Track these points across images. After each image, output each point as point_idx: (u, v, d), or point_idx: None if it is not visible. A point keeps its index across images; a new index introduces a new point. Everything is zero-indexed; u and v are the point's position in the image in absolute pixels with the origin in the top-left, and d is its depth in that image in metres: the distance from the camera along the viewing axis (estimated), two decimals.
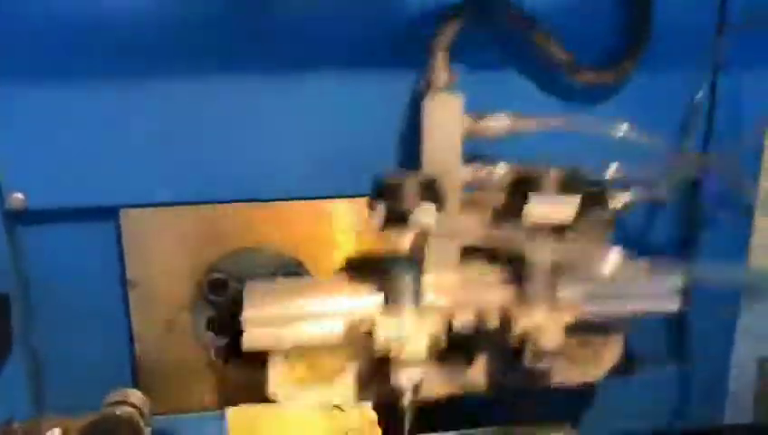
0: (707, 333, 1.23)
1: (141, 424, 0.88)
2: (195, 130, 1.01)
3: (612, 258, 0.89)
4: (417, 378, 0.89)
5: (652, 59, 1.05)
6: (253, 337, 0.91)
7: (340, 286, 0.96)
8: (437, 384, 0.98)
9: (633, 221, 1.16)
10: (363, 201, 0.92)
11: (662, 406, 1.27)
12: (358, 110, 1.02)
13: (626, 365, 1.06)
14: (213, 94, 1.00)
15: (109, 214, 1.04)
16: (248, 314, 0.91)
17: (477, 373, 1.00)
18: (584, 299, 0.95)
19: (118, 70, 0.97)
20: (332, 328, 0.92)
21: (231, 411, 0.92)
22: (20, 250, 1.04)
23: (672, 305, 1.00)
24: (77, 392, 0.94)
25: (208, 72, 0.99)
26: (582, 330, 0.96)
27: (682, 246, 1.20)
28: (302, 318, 0.92)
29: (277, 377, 0.96)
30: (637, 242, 1.16)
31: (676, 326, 1.23)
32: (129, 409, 0.89)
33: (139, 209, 1.03)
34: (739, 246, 1.21)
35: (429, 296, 0.92)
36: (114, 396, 0.92)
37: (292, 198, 1.05)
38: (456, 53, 0.95)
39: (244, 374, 1.09)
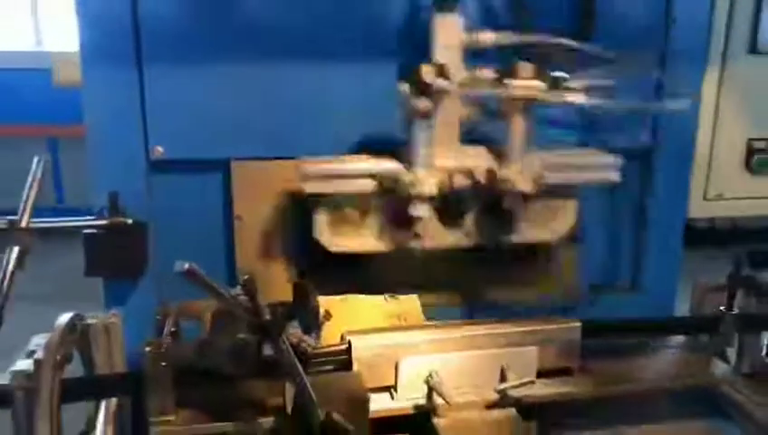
0: (659, 263, 1.64)
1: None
2: (287, 106, 1.40)
3: (581, 94, 1.28)
4: (427, 212, 1.29)
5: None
6: (311, 186, 1.30)
7: (369, 158, 1.36)
8: (440, 234, 1.38)
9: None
10: None
11: None
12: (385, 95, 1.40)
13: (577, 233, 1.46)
14: (305, 81, 1.39)
15: (221, 165, 1.42)
16: (308, 169, 1.30)
17: (468, 227, 1.40)
18: (547, 167, 1.34)
19: (234, 61, 1.36)
20: (367, 182, 1.32)
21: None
22: (154, 191, 1.42)
23: (613, 176, 1.40)
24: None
25: (301, 67, 1.39)
26: (545, 196, 1.36)
27: None
28: (345, 175, 1.32)
29: (321, 223, 1.35)
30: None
31: (633, 258, 1.64)
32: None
33: (245, 161, 1.41)
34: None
35: (437, 159, 1.32)
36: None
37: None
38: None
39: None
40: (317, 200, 1.35)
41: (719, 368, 1.50)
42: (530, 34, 1.36)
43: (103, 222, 1.32)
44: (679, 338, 1.54)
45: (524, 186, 1.30)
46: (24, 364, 1.13)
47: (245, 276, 1.05)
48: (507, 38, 1.35)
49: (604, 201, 1.63)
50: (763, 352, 1.52)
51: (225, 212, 1.47)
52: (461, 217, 1.39)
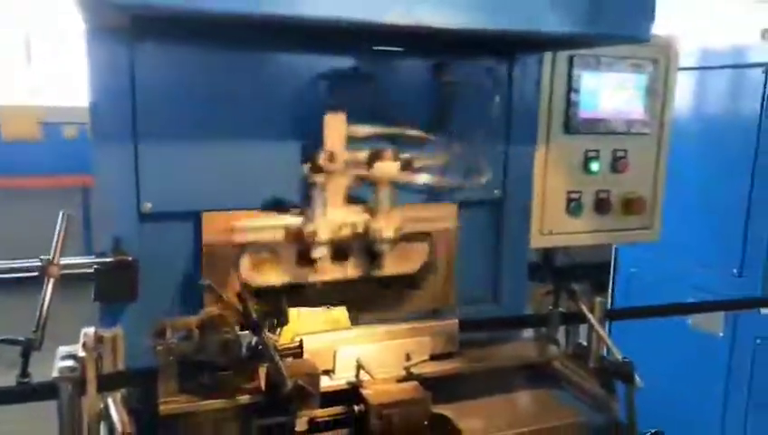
0: (512, 280, 2.28)
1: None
2: (236, 174, 1.90)
3: (423, 177, 1.92)
4: (323, 253, 1.84)
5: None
6: (238, 236, 1.82)
7: (279, 215, 1.89)
8: (332, 270, 1.92)
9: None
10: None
11: None
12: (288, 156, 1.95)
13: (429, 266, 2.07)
14: (248, 157, 1.90)
15: (193, 215, 1.89)
16: (235, 224, 1.82)
17: (353, 264, 1.95)
18: (405, 219, 1.93)
19: (203, 140, 1.86)
20: (278, 232, 1.85)
21: None
22: (143, 235, 1.86)
23: (452, 224, 2.03)
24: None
25: (244, 145, 1.90)
26: (404, 241, 1.94)
27: None
28: (264, 228, 1.84)
29: (245, 265, 1.86)
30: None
31: (492, 277, 2.28)
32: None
33: (212, 212, 1.89)
34: None
35: (330, 214, 1.86)
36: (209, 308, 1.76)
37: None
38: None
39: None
40: (242, 247, 1.86)
41: (552, 350, 2.16)
42: (394, 127, 1.96)
43: (110, 259, 1.75)
44: (526, 331, 2.18)
45: (389, 234, 1.89)
46: (67, 363, 1.54)
47: (243, 287, 1.54)
48: (378, 130, 1.94)
49: (474, 238, 2.25)
50: (580, 338, 2.19)
51: (196, 251, 1.93)
52: (347, 257, 1.95)
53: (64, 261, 1.66)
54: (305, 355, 1.75)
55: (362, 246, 1.93)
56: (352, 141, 1.90)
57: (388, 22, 1.47)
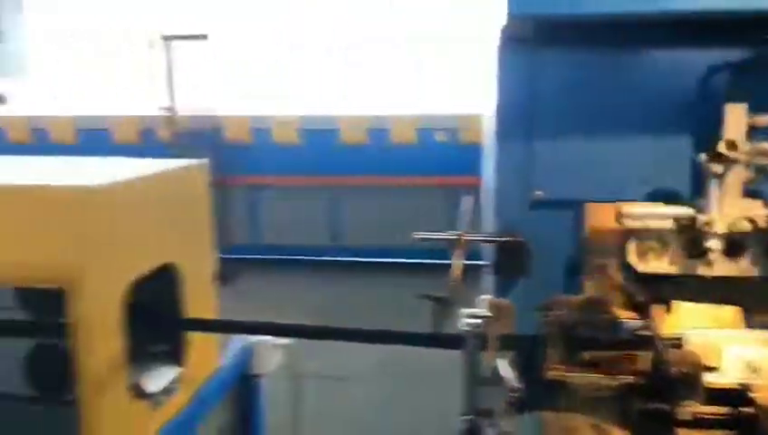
0: None
1: None
2: (618, 169, 1.98)
3: None
4: (717, 245, 1.77)
5: None
6: (626, 222, 1.85)
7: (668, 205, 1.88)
8: (724, 265, 1.83)
9: None
10: None
11: None
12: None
13: None
14: (637, 147, 1.96)
15: (579, 204, 2.03)
16: (625, 211, 1.85)
17: (749, 261, 1.83)
18: None
19: (589, 137, 1.98)
20: (667, 221, 1.84)
21: None
22: (532, 221, 2.07)
23: None
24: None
25: (635, 142, 1.96)
26: None
27: None
28: (652, 216, 1.85)
29: (632, 250, 1.87)
30: None
31: None
32: None
33: (596, 203, 2.00)
34: None
35: (727, 206, 1.79)
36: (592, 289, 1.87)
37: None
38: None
39: None
40: (630, 233, 1.90)
41: None
42: None
43: (505, 238, 2.01)
44: None
45: None
46: (473, 320, 1.82)
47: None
48: None
49: None
50: None
51: (579, 236, 2.07)
52: (742, 253, 1.84)
53: (469, 237, 1.97)
54: (688, 348, 1.74)
55: (761, 243, 1.83)
56: (753, 133, 1.83)
57: None
